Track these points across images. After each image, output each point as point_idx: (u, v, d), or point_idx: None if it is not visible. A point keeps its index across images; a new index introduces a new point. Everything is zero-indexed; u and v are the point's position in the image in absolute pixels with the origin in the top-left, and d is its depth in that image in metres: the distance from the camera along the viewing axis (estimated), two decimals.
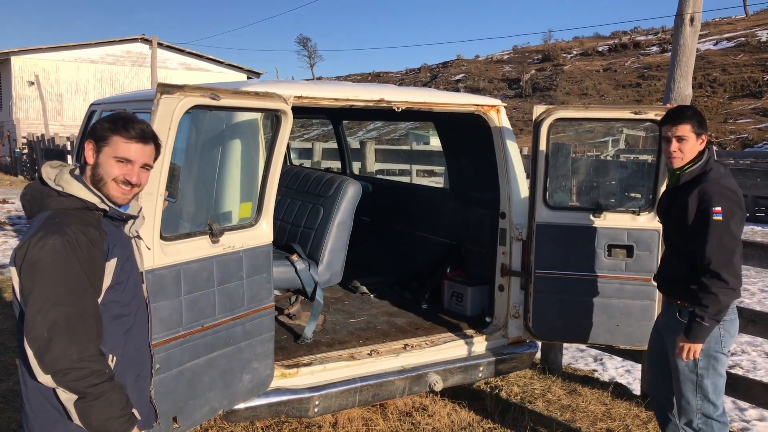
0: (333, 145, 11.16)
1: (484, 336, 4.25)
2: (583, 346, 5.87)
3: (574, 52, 53.27)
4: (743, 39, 42.75)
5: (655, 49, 47.79)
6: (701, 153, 3.11)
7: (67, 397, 1.97)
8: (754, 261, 4.06)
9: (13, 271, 2.00)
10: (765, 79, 35.64)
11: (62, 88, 33.16)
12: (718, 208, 2.91)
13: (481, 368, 4.12)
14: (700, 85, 35.12)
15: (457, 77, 53.35)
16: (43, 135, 24.48)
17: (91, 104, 7.35)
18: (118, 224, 2.18)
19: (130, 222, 2.25)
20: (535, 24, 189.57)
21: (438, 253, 5.41)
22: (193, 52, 36.37)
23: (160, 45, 30.73)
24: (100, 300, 2.07)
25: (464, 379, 4.13)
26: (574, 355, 5.81)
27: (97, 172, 2.12)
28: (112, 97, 6.96)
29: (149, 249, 2.60)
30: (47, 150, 8.43)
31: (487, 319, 4.48)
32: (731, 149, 26.58)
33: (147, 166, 2.19)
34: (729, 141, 29.36)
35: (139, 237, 2.32)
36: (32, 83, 31.69)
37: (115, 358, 2.12)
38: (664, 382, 3.38)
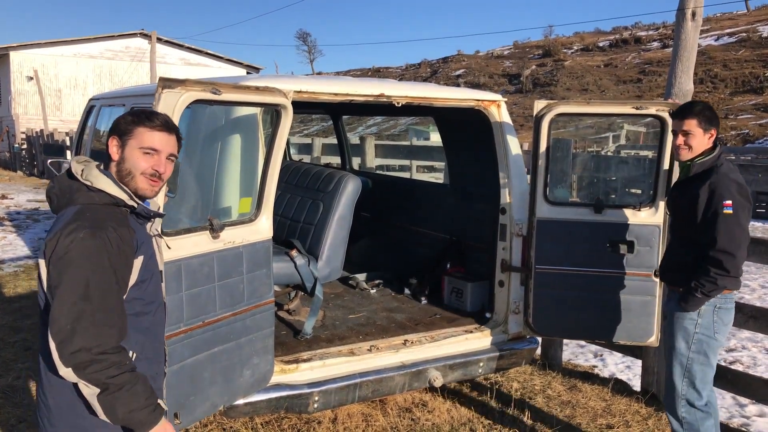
0: (333, 140, 11.13)
1: (484, 332, 4.25)
2: (583, 342, 5.87)
3: (575, 48, 53.17)
4: (744, 34, 42.66)
5: (656, 44, 47.71)
6: (713, 148, 3.20)
7: (90, 392, 1.95)
8: (755, 257, 4.05)
9: (41, 264, 1.99)
10: (766, 74, 35.58)
11: (61, 83, 33.10)
12: (729, 202, 3.03)
13: (481, 364, 4.11)
14: (701, 80, 35.06)
15: (458, 72, 53.26)
16: (42, 130, 24.45)
17: (90, 99, 7.34)
18: (141, 221, 2.18)
19: (152, 220, 2.25)
20: (536, 19, 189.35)
21: (438, 248, 5.40)
22: (193, 47, 36.31)
23: (159, 40, 30.65)
24: (124, 297, 2.06)
25: (464, 375, 4.12)
26: (574, 351, 5.81)
27: (124, 167, 2.12)
28: (111, 92, 6.94)
29: (169, 248, 2.59)
30: (46, 145, 8.41)
31: (487, 315, 4.47)
32: (732, 145, 26.55)
33: (172, 157, 2.19)
34: (730, 137, 29.32)
35: (160, 235, 2.32)
36: (31, 78, 31.63)
37: (135, 354, 2.11)
38: None
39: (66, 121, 30.81)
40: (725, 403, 4.67)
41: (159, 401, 2.06)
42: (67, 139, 20.53)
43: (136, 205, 2.11)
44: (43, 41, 32.69)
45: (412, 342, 4.01)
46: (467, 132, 5.18)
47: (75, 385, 1.98)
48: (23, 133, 27.06)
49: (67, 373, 1.92)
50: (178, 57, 35.57)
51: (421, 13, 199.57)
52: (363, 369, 3.73)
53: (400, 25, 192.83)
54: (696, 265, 3.15)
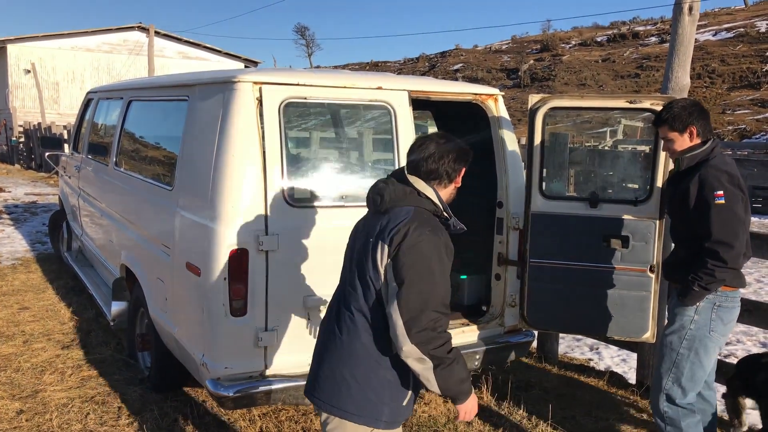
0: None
1: (481, 325, 4.27)
2: (579, 335, 5.89)
3: (573, 42, 53.12)
4: (742, 30, 42.65)
5: (653, 39, 47.67)
6: (705, 141, 3.16)
7: (425, 366, 2.21)
8: (751, 251, 4.06)
9: (384, 248, 2.26)
10: (763, 70, 35.59)
11: (59, 76, 33.00)
12: (720, 192, 2.98)
13: (478, 357, 4.13)
14: (698, 75, 35.08)
15: (456, 67, 53.19)
16: (39, 123, 24.39)
17: (88, 92, 7.34)
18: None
19: None
20: (534, 14, 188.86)
21: None
22: (191, 40, 36.20)
23: (157, 33, 30.57)
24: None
25: None
26: (570, 344, 5.84)
27: (455, 190, 2.49)
28: (108, 85, 6.94)
29: None
30: (44, 138, 8.39)
31: (484, 308, 4.50)
32: (729, 140, 26.58)
33: None
34: (727, 132, 29.34)
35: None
36: (28, 71, 31.53)
37: None
38: None
39: (63, 114, 30.73)
40: (720, 396, 4.70)
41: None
42: (65, 132, 20.47)
43: (449, 218, 2.43)
44: (41, 34, 32.57)
45: None
46: (465, 126, 5.19)
47: (391, 359, 2.29)
48: (21, 126, 27.00)
49: (410, 349, 2.19)
50: (176, 50, 35.47)
51: (420, 7, 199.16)
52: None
53: (399, 20, 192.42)
54: (693, 259, 3.10)
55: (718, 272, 2.99)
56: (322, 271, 3.46)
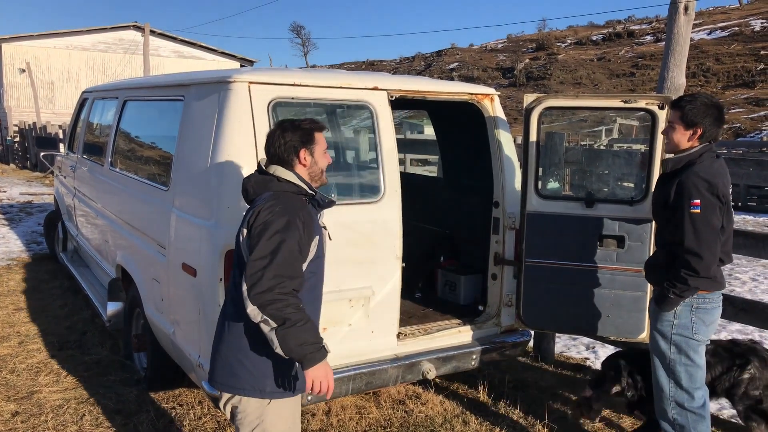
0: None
1: (477, 324, 4.27)
2: (575, 335, 5.90)
3: (568, 41, 53.17)
4: (737, 28, 42.75)
5: (649, 38, 47.75)
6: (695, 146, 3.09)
7: (269, 328, 2.31)
8: (745, 250, 4.08)
9: (243, 231, 2.49)
10: (758, 68, 35.69)
11: (54, 75, 32.90)
12: (697, 200, 2.93)
13: (474, 356, 4.14)
14: (693, 74, 35.14)
15: (452, 66, 53.18)
16: (34, 123, 24.30)
17: (83, 92, 7.31)
18: (316, 212, 2.63)
19: (321, 213, 2.70)
20: (530, 12, 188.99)
21: (431, 241, 5.41)
22: (186, 39, 36.15)
23: (152, 32, 30.50)
24: (304, 267, 2.49)
25: (457, 368, 4.14)
26: (567, 344, 5.84)
27: (317, 169, 2.66)
28: (104, 85, 6.92)
29: (330, 240, 2.87)
30: (39, 138, 8.36)
31: (480, 308, 4.50)
32: (724, 139, 26.62)
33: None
34: (722, 131, 29.32)
35: (325, 227, 2.73)
36: (23, 71, 31.42)
37: None
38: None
39: (59, 114, 30.65)
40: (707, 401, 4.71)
41: (324, 344, 2.42)
42: (60, 131, 20.42)
43: (315, 193, 2.60)
44: (36, 33, 32.47)
45: (405, 335, 4.03)
46: (461, 125, 5.19)
47: (252, 329, 2.40)
48: (16, 125, 26.88)
49: (252, 310, 2.31)
50: (171, 49, 35.40)
51: (416, 6, 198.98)
52: (356, 362, 3.75)
53: (394, 19, 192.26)
54: (671, 263, 3.08)
55: (691, 281, 2.98)
56: None
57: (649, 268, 3.40)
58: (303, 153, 2.60)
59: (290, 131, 2.61)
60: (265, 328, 2.32)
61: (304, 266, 2.50)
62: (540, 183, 4.10)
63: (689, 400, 3.17)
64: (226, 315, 2.58)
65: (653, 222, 3.73)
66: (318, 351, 2.37)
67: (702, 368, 3.19)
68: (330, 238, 2.82)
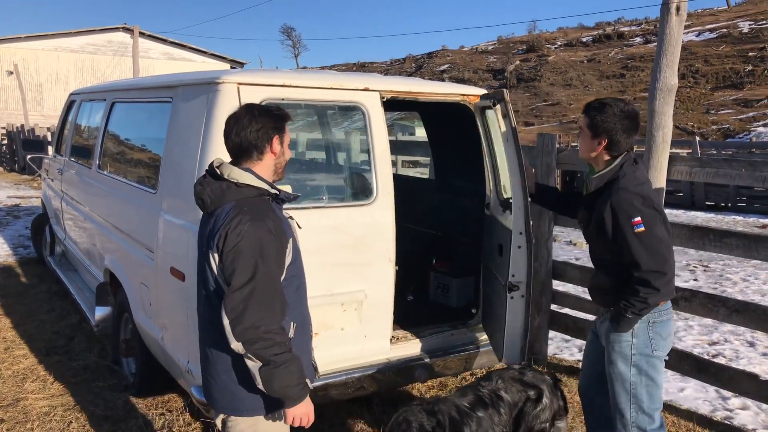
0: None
1: (470, 327, 4.23)
2: (568, 336, 5.87)
3: (559, 43, 53.41)
4: (725, 30, 43.10)
5: (638, 39, 48.05)
6: (614, 158, 2.93)
7: (254, 364, 2.22)
8: (736, 251, 4.05)
9: (214, 255, 2.27)
10: (746, 70, 35.96)
11: (42, 77, 32.70)
12: (638, 219, 2.76)
13: (467, 359, 4.10)
14: (683, 75, 35.35)
15: (442, 68, 53.31)
16: (22, 125, 24.11)
17: (71, 94, 7.24)
18: (279, 206, 2.45)
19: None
20: (520, 14, 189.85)
21: (424, 244, 5.38)
22: (176, 41, 36.04)
23: (141, 34, 30.34)
24: (283, 276, 2.35)
25: (450, 370, 4.11)
26: (559, 346, 5.82)
27: (282, 161, 2.44)
28: (92, 87, 6.85)
29: (300, 228, 2.71)
30: (26, 141, 8.30)
31: (473, 311, 4.46)
32: (713, 140, 26.82)
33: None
34: (711, 131, 29.61)
35: (291, 217, 2.57)
36: (11, 73, 31.19)
37: (295, 324, 2.43)
38: (599, 390, 3.22)
39: (47, 116, 30.42)
40: (708, 396, 4.70)
41: (306, 380, 2.36)
42: (49, 134, 20.26)
43: (279, 192, 2.40)
44: (24, 35, 32.26)
45: (397, 338, 3.99)
46: (452, 127, 5.16)
47: (236, 358, 2.29)
48: (3, 128, 26.65)
49: (237, 346, 2.20)
50: (161, 51, 35.27)
51: (406, 8, 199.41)
52: (349, 366, 3.70)
53: (385, 20, 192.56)
54: (620, 286, 2.90)
55: (651, 299, 2.80)
56: (306, 272, 3.40)
57: (596, 291, 3.17)
58: (276, 140, 2.38)
59: (264, 115, 2.36)
60: (249, 362, 2.24)
61: (283, 276, 2.36)
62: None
63: (650, 423, 3.00)
64: (204, 336, 2.46)
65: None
66: (301, 390, 2.32)
67: (661, 387, 3.02)
68: (299, 227, 2.63)
